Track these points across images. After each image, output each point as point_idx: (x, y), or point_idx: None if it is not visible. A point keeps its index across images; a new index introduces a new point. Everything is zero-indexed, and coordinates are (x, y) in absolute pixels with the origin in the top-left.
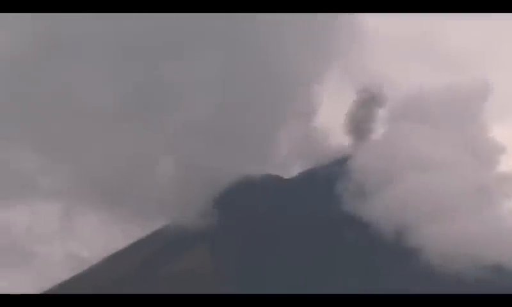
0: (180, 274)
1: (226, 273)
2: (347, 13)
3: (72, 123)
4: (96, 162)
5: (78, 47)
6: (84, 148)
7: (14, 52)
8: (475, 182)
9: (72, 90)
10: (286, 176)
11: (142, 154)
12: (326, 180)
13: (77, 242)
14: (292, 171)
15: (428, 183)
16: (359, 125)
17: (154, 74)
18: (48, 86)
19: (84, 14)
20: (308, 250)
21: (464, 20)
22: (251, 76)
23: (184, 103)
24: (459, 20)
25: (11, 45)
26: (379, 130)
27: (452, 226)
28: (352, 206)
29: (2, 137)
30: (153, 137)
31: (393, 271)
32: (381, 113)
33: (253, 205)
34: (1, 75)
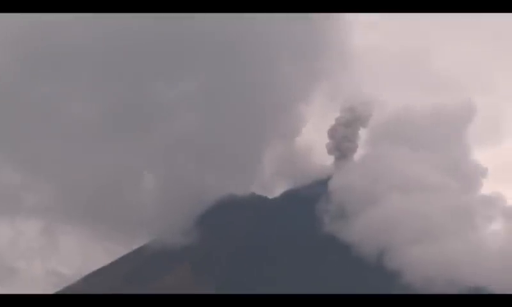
0: (161, 290)
1: (207, 291)
2: (335, 27)
3: (54, 138)
4: (79, 178)
5: (61, 59)
6: (67, 164)
7: None
8: (457, 204)
9: (54, 104)
10: (270, 196)
11: (125, 170)
12: (309, 200)
13: (59, 258)
14: (276, 190)
15: (410, 205)
16: (341, 144)
17: (139, 89)
18: (30, 98)
19: (70, 24)
20: (290, 270)
21: (453, 41)
22: (236, 94)
23: (169, 120)
24: (446, 40)
25: None
26: (361, 151)
27: (434, 248)
28: (333, 228)
29: None
30: (136, 153)
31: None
32: (364, 133)
33: (236, 224)
34: None
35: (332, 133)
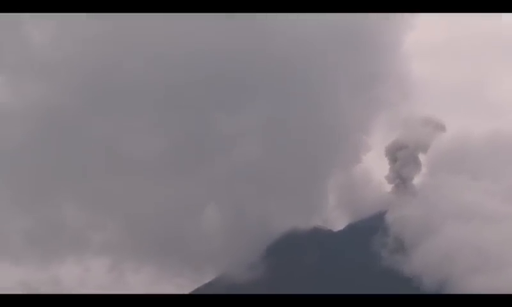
0: None
1: None
2: (393, 52)
3: (117, 175)
4: (144, 214)
5: (121, 93)
6: (131, 201)
7: (54, 103)
8: None
9: (115, 142)
10: (333, 229)
11: (188, 204)
12: (370, 232)
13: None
14: (339, 223)
15: (470, 235)
16: (401, 175)
17: (199, 121)
18: (92, 138)
19: (129, 62)
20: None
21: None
22: (296, 123)
23: (230, 152)
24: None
25: (51, 95)
26: (419, 179)
27: (494, 278)
28: (392, 261)
29: (52, 192)
30: (199, 186)
31: None
32: (423, 160)
33: (301, 259)
34: (44, 130)
35: (392, 157)
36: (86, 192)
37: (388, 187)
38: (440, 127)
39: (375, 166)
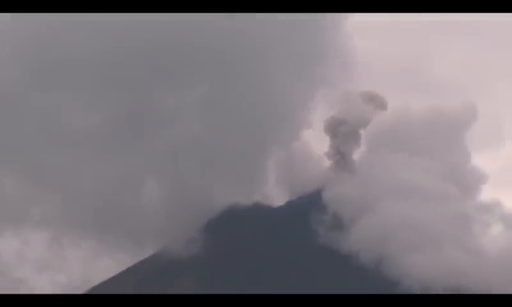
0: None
1: None
2: (332, 30)
3: (56, 148)
4: (84, 188)
5: (61, 66)
6: (72, 174)
7: None
8: (456, 211)
9: (55, 114)
10: (274, 205)
11: (129, 179)
12: (309, 209)
13: (66, 270)
14: (279, 199)
15: (408, 212)
16: (341, 151)
17: (141, 97)
18: (33, 110)
19: (72, 36)
20: (290, 282)
21: (452, 43)
22: (237, 101)
23: (171, 128)
24: (446, 42)
25: None
26: (359, 157)
27: (433, 256)
28: (329, 238)
29: None
30: (139, 161)
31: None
32: (362, 138)
33: (241, 234)
34: None
35: (331, 133)
36: (24, 165)
37: (328, 164)
38: (381, 104)
39: (315, 143)
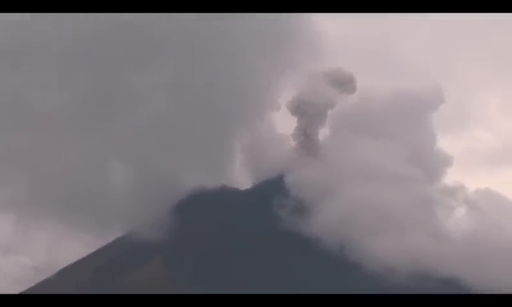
0: (135, 284)
1: (180, 283)
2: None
3: (22, 130)
4: (50, 171)
5: (27, 50)
6: (37, 157)
7: None
8: (420, 194)
9: (22, 96)
10: (241, 188)
11: (97, 162)
12: (274, 192)
13: (32, 252)
14: (246, 182)
15: (371, 196)
16: (306, 133)
17: (108, 79)
18: None
19: (37, 14)
20: (255, 266)
21: (422, 26)
22: (204, 85)
23: (138, 109)
24: (413, 22)
25: None
26: (322, 139)
27: (396, 238)
28: (292, 221)
29: None
30: (106, 142)
31: (336, 286)
32: (327, 121)
33: (207, 217)
34: None
35: (297, 114)
36: None
37: (293, 145)
38: (347, 87)
39: (282, 125)
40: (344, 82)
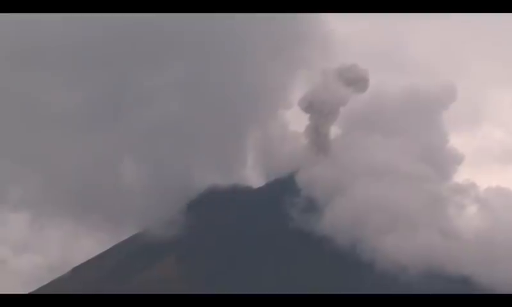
0: (148, 282)
1: (193, 281)
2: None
3: (37, 130)
4: (65, 169)
5: (40, 49)
6: (52, 155)
7: None
8: (431, 192)
9: (35, 96)
10: (253, 186)
11: (110, 161)
12: (286, 191)
13: (46, 251)
14: (259, 180)
15: (383, 194)
16: (318, 131)
17: (121, 78)
18: (11, 92)
19: (48, 15)
20: (270, 262)
21: (433, 24)
22: (217, 84)
23: (151, 107)
24: (425, 20)
25: None
26: (334, 138)
27: (407, 237)
28: (304, 220)
29: None
30: (119, 141)
31: (348, 285)
32: (339, 119)
33: (220, 215)
34: None
35: (309, 112)
36: (4, 146)
37: (305, 144)
38: (360, 85)
39: (294, 123)
40: (357, 80)
